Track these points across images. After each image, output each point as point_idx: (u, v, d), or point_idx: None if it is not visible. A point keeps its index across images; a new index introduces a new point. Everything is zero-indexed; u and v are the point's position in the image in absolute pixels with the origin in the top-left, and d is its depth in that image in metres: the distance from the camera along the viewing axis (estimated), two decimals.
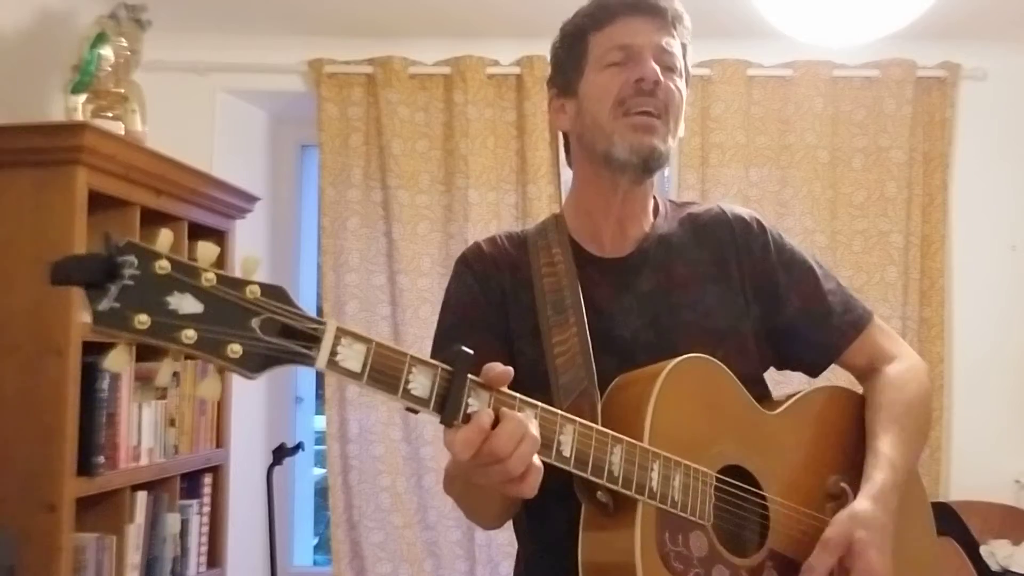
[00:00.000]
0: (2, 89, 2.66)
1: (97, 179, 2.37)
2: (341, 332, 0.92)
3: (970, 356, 3.33)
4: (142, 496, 2.60)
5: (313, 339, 0.91)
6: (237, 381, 3.06)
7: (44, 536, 2.22)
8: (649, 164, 1.32)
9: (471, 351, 0.98)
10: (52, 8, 2.82)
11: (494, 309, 1.36)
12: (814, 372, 1.46)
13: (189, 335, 0.85)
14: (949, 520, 3.06)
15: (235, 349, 0.87)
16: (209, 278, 0.86)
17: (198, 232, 2.91)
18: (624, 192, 1.36)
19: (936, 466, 3.25)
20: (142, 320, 0.83)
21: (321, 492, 3.77)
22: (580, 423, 1.08)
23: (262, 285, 0.89)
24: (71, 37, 2.78)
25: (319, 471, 3.87)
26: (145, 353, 2.71)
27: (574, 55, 1.38)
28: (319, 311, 3.57)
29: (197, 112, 3.32)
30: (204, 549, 2.93)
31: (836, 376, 1.51)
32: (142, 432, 2.58)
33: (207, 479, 2.97)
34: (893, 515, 1.25)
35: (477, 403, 0.99)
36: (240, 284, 0.88)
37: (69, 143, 2.30)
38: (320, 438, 3.63)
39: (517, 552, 1.45)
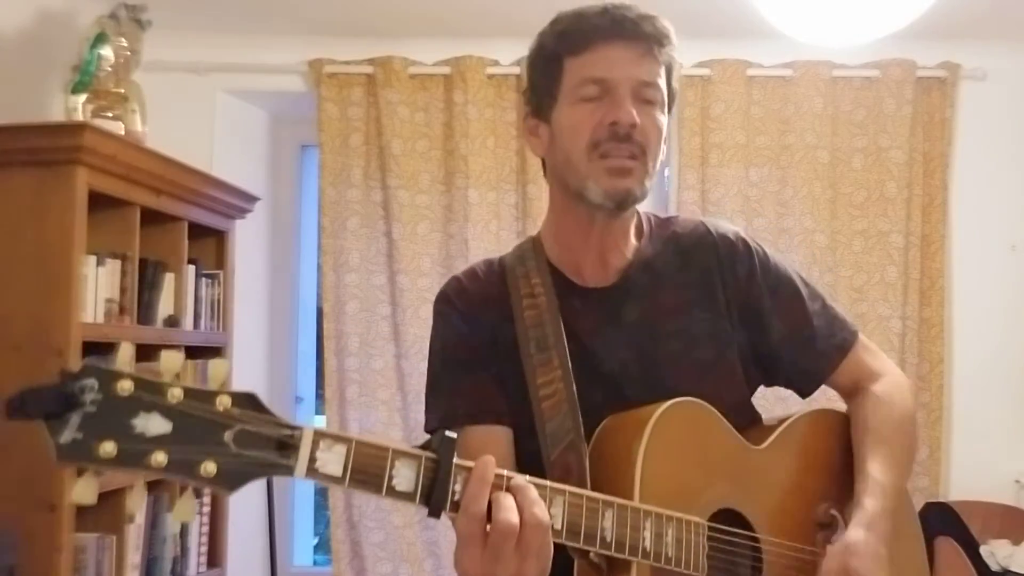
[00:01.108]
0: (2, 89, 2.66)
1: (97, 179, 2.38)
2: (319, 435, 0.87)
3: (970, 356, 3.33)
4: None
5: (290, 447, 0.86)
6: (238, 373, 3.08)
7: (44, 536, 2.22)
8: (624, 206, 1.27)
9: (454, 436, 0.95)
10: (52, 8, 2.82)
11: (484, 347, 1.31)
12: (803, 395, 1.44)
13: (159, 459, 0.80)
14: (949, 520, 3.06)
15: (209, 468, 0.83)
16: (176, 394, 0.82)
17: (198, 232, 2.92)
18: (601, 225, 1.31)
19: (936, 466, 3.25)
20: (108, 450, 0.78)
21: (321, 492, 3.77)
22: (570, 492, 1.04)
23: (232, 395, 0.85)
24: (71, 37, 2.79)
25: None
26: (147, 354, 2.69)
27: (548, 77, 1.29)
28: (319, 311, 3.57)
29: (197, 112, 3.32)
30: (204, 549, 2.93)
31: (828, 395, 1.49)
32: None
33: None
34: (886, 541, 1.23)
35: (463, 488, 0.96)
36: (209, 396, 0.84)
37: (69, 143, 2.30)
38: None
39: None
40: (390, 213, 3.33)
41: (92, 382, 0.79)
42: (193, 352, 2.79)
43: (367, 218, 3.36)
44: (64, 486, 2.25)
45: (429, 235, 3.34)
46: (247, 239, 3.24)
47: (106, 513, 2.47)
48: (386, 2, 3.13)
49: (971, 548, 3.00)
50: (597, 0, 1.29)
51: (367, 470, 0.90)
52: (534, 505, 0.97)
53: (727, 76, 3.31)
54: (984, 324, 3.34)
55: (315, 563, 3.90)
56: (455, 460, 0.95)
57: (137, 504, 0.82)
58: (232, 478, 0.84)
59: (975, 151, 3.36)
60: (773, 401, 1.74)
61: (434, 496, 0.93)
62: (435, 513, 0.94)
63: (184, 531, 2.81)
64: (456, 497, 0.95)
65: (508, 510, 0.95)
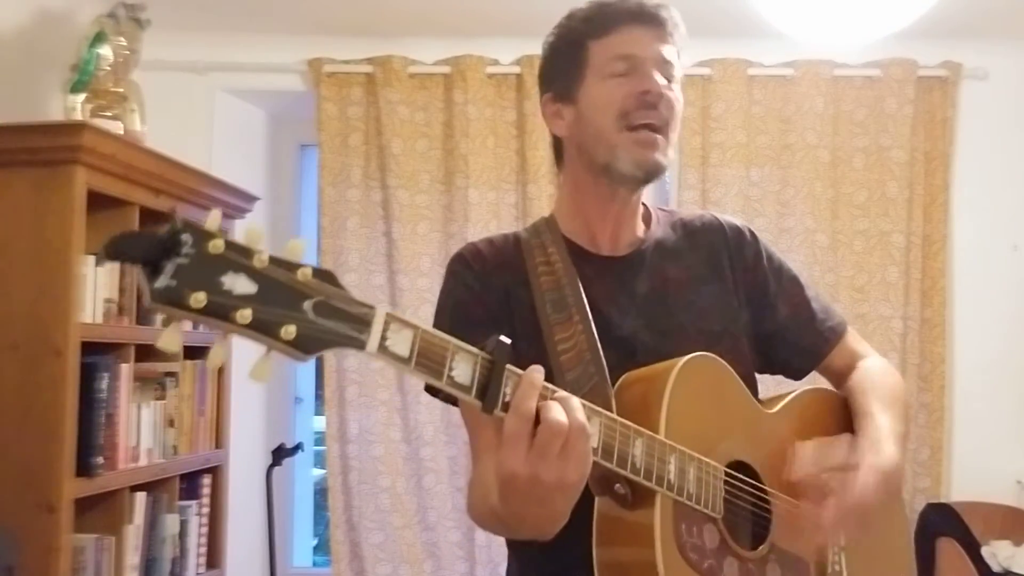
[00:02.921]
0: (1, 89, 2.66)
1: (96, 179, 2.37)
2: (391, 317, 0.91)
3: (971, 356, 3.32)
4: (141, 497, 2.60)
5: (364, 323, 0.90)
6: (237, 382, 3.07)
7: (43, 537, 2.22)
8: (651, 177, 1.35)
9: (509, 340, 0.99)
10: (51, 8, 2.81)
11: (497, 310, 1.35)
12: (798, 376, 1.51)
13: (244, 315, 0.84)
14: (950, 521, 3.06)
15: (289, 330, 0.86)
16: (262, 259, 0.86)
17: None
18: (622, 200, 1.38)
19: (937, 467, 3.25)
20: (199, 298, 0.81)
21: (321, 493, 3.76)
22: (606, 415, 1.09)
23: (314, 268, 0.88)
24: (70, 36, 2.78)
25: (319, 472, 3.87)
26: (145, 354, 2.67)
27: (573, 61, 1.36)
28: None
29: (196, 112, 3.31)
30: (203, 550, 2.92)
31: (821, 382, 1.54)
32: (141, 432, 2.58)
33: (206, 480, 2.96)
34: (887, 495, 1.26)
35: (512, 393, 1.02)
36: (292, 266, 0.87)
37: (68, 143, 2.30)
38: (320, 439, 3.63)
39: (508, 561, 1.46)
40: (390, 213, 3.33)
41: (187, 237, 0.82)
42: (192, 352, 2.78)
43: (367, 218, 3.36)
44: (63, 487, 2.24)
45: (429, 235, 3.34)
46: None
47: (105, 514, 2.47)
48: (386, 2, 3.12)
49: (973, 549, 3.00)
50: None
51: (431, 356, 0.94)
52: (578, 411, 1.02)
53: (728, 76, 3.31)
54: (986, 324, 3.33)
55: (314, 564, 3.90)
56: (508, 367, 0.99)
57: (218, 359, 0.84)
58: (310, 343, 0.87)
59: (976, 151, 3.36)
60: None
61: (489, 392, 0.98)
62: (489, 408, 0.98)
63: (183, 532, 2.81)
64: (507, 399, 1.00)
65: (557, 411, 1.00)
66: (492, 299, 1.36)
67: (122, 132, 2.62)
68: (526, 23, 3.08)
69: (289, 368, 3.70)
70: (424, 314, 3.26)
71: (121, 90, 2.73)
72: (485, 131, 3.33)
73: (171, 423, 2.75)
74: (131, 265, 0.81)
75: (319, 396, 3.66)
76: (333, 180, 3.35)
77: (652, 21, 1.34)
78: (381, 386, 3.30)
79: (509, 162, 3.35)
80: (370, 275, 3.35)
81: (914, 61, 3.31)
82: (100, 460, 2.37)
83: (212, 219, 0.85)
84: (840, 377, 1.48)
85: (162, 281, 0.80)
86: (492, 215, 3.32)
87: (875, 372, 1.45)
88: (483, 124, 3.33)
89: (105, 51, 2.71)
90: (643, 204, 1.45)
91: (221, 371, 3.01)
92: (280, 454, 3.14)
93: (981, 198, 3.36)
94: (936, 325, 3.30)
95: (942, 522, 3.05)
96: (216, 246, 0.83)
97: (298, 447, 3.21)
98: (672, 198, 3.38)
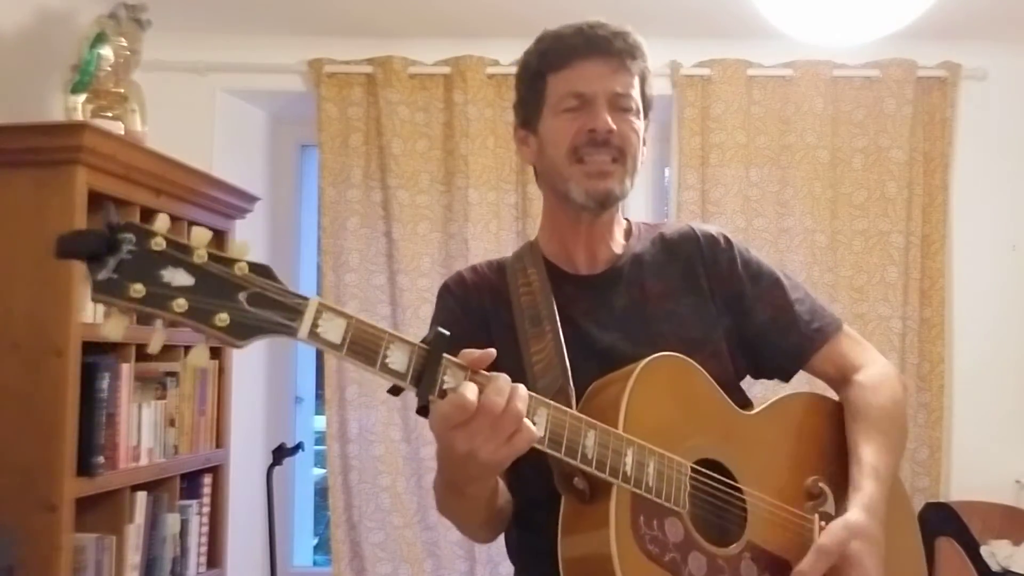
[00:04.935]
0: (2, 89, 2.66)
1: (97, 179, 2.37)
2: (323, 307, 0.97)
3: (970, 356, 3.33)
4: (142, 496, 2.60)
5: (296, 312, 0.96)
6: (237, 382, 3.08)
7: (44, 536, 2.22)
8: (605, 205, 1.39)
9: (448, 332, 1.03)
10: (52, 8, 2.82)
11: (475, 330, 1.40)
12: (786, 378, 1.50)
13: (180, 304, 0.90)
14: (949, 520, 3.06)
15: (223, 318, 0.92)
16: (201, 255, 0.92)
17: None
18: (588, 223, 1.42)
19: (936, 466, 3.25)
20: (137, 289, 0.88)
21: (321, 492, 3.77)
22: (554, 406, 1.12)
23: (250, 263, 0.95)
24: (71, 37, 2.78)
25: (319, 471, 3.87)
26: (146, 354, 2.66)
27: (534, 93, 1.42)
28: None
29: (197, 112, 3.32)
30: (204, 549, 2.93)
31: (813, 386, 1.54)
32: (142, 432, 2.58)
33: (207, 479, 2.96)
34: (883, 525, 1.28)
35: (453, 381, 1.05)
36: (230, 262, 0.94)
37: (69, 143, 2.30)
38: (320, 438, 3.64)
39: (514, 572, 1.47)
40: (390, 213, 3.33)
41: (130, 236, 0.89)
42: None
43: (367, 218, 3.36)
44: (64, 486, 2.25)
45: (429, 235, 3.34)
46: (247, 239, 3.24)
47: (106, 513, 2.48)
48: (386, 2, 3.12)
49: (971, 548, 3.00)
50: (576, 20, 1.40)
51: (364, 343, 1.00)
52: (496, 393, 1.05)
53: (727, 76, 3.31)
54: (984, 324, 3.33)
55: (315, 563, 3.90)
56: (447, 356, 1.04)
57: (156, 345, 0.95)
58: (242, 330, 0.94)
59: (975, 151, 3.36)
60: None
61: (424, 380, 1.03)
62: (423, 395, 1.03)
63: (184, 531, 2.81)
64: (444, 386, 1.05)
65: (492, 394, 1.05)
66: (470, 321, 1.42)
67: (123, 132, 2.62)
68: (526, 23, 3.07)
69: (289, 368, 3.71)
70: (424, 314, 3.27)
71: (122, 90, 2.74)
72: (485, 131, 3.33)
73: (172, 423, 2.75)
74: (79, 261, 0.88)
75: (319, 396, 3.66)
76: (333, 180, 3.35)
77: (606, 52, 1.36)
78: (381, 386, 3.29)
79: (509, 162, 3.35)
80: (370, 275, 3.35)
81: (913, 61, 3.32)
82: (101, 460, 2.38)
83: (160, 221, 0.92)
84: (834, 383, 1.47)
85: (104, 274, 0.88)
86: (492, 215, 3.32)
87: (866, 394, 1.42)
88: (483, 124, 3.33)
89: (106, 52, 2.72)
90: (626, 220, 1.49)
91: (221, 371, 3.01)
92: (280, 453, 3.15)
93: (980, 198, 3.36)
94: (935, 325, 3.30)
95: (941, 521, 3.05)
96: (157, 243, 0.91)
97: (298, 447, 3.22)
98: (672, 199, 3.38)
